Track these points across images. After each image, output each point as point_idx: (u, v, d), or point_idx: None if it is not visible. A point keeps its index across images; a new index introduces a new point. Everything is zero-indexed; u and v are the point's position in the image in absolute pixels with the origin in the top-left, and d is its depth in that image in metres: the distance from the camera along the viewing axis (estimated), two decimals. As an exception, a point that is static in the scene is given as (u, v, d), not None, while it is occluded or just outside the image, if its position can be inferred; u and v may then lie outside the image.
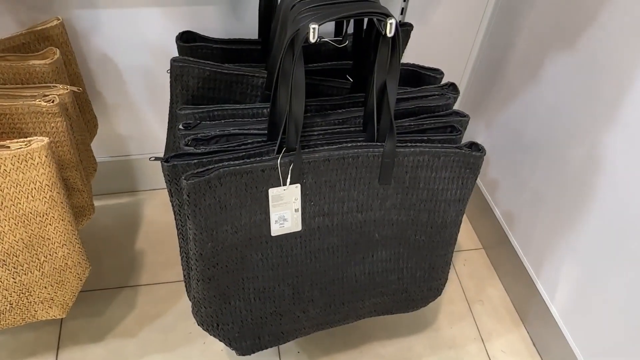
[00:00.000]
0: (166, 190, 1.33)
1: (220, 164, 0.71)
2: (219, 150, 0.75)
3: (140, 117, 1.18)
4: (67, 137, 0.82)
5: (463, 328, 1.15)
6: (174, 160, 0.74)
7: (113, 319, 1.10)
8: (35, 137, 0.72)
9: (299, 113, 0.71)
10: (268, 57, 0.92)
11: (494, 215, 1.23)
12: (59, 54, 0.84)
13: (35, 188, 0.74)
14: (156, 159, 0.75)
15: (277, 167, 0.72)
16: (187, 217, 0.71)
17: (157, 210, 1.31)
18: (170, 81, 0.84)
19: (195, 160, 0.74)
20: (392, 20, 0.66)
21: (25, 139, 0.72)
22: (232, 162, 0.72)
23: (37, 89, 0.82)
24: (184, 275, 0.86)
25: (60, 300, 0.87)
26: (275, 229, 0.78)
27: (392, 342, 1.12)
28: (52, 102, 0.79)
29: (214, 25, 1.06)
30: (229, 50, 0.94)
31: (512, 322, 1.16)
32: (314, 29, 0.64)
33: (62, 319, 1.08)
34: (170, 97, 0.87)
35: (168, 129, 0.92)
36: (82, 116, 1.00)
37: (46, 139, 0.72)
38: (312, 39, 0.64)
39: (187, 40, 0.94)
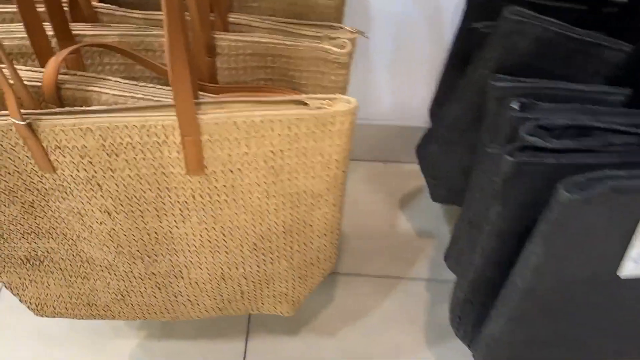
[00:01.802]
0: (369, 163, 1.13)
1: (602, 173, 0.49)
2: (580, 148, 0.53)
3: (370, 77, 0.97)
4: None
5: None
6: (522, 155, 0.52)
7: (309, 309, 0.93)
8: (337, 95, 0.53)
9: None
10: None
11: None
12: (347, -15, 0.64)
13: (321, 162, 0.55)
14: (493, 150, 0.53)
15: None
16: (540, 240, 0.50)
17: (360, 186, 1.12)
18: (491, 40, 0.62)
19: (553, 161, 0.52)
20: None
21: (325, 96, 0.53)
22: (616, 174, 0.49)
23: (319, 28, 0.62)
24: (461, 301, 0.65)
25: (293, 297, 0.70)
26: (629, 269, 0.55)
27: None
28: (343, 48, 0.59)
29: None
30: (551, 8, 0.70)
31: None
32: None
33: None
34: (476, 59, 0.66)
35: (454, 99, 0.70)
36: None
37: (354, 100, 0.53)
38: None
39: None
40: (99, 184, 0.53)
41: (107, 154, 0.51)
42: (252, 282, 0.65)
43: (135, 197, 0.55)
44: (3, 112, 0.49)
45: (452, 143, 0.74)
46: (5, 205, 0.57)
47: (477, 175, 0.65)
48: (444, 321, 0.93)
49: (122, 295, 0.66)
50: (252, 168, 0.54)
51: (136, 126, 0.49)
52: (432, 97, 0.91)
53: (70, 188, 0.54)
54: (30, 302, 0.69)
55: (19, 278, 0.67)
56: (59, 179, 0.54)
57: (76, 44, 0.57)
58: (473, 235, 0.63)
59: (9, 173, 0.54)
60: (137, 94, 0.53)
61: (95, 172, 0.52)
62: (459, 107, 0.71)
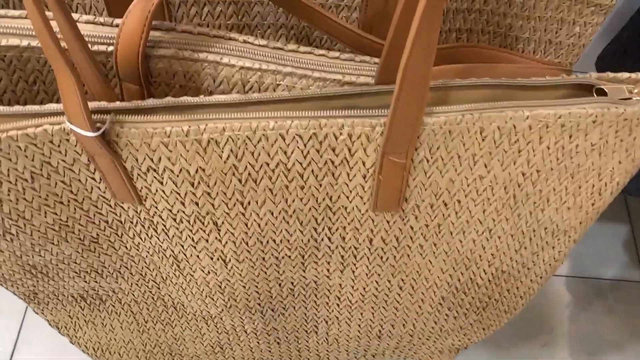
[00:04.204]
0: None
1: None
2: None
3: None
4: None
5: None
6: None
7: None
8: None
9: None
10: None
11: None
12: None
13: (593, 186, 0.32)
14: None
15: None
16: None
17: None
18: None
19: None
20: None
21: (629, 75, 0.29)
22: None
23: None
24: None
25: (459, 346, 0.49)
26: None
27: None
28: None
29: None
30: None
31: None
32: None
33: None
34: None
35: None
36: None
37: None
38: None
39: None
40: (215, 224, 0.31)
41: (240, 181, 0.28)
42: (419, 338, 0.44)
43: (273, 241, 0.32)
44: (52, 107, 0.26)
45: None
46: (53, 243, 0.34)
47: None
48: (589, 330, 0.74)
49: (220, 348, 0.45)
50: (481, 199, 0.31)
51: (299, 136, 0.26)
52: (610, 48, 0.66)
53: (163, 226, 0.32)
54: (86, 347, 0.48)
55: (70, 317, 0.46)
56: (146, 213, 0.31)
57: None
58: None
59: (61, 203, 0.31)
60: (285, 65, 0.29)
61: (214, 207, 0.30)
62: None
